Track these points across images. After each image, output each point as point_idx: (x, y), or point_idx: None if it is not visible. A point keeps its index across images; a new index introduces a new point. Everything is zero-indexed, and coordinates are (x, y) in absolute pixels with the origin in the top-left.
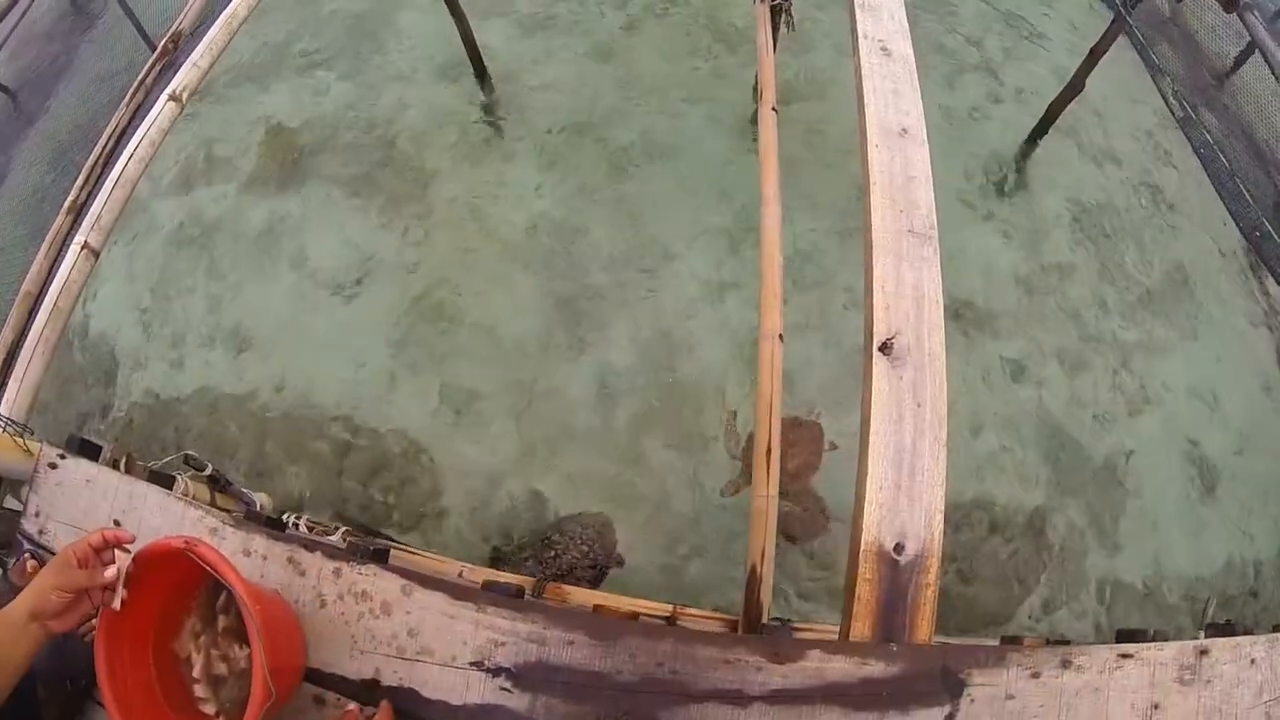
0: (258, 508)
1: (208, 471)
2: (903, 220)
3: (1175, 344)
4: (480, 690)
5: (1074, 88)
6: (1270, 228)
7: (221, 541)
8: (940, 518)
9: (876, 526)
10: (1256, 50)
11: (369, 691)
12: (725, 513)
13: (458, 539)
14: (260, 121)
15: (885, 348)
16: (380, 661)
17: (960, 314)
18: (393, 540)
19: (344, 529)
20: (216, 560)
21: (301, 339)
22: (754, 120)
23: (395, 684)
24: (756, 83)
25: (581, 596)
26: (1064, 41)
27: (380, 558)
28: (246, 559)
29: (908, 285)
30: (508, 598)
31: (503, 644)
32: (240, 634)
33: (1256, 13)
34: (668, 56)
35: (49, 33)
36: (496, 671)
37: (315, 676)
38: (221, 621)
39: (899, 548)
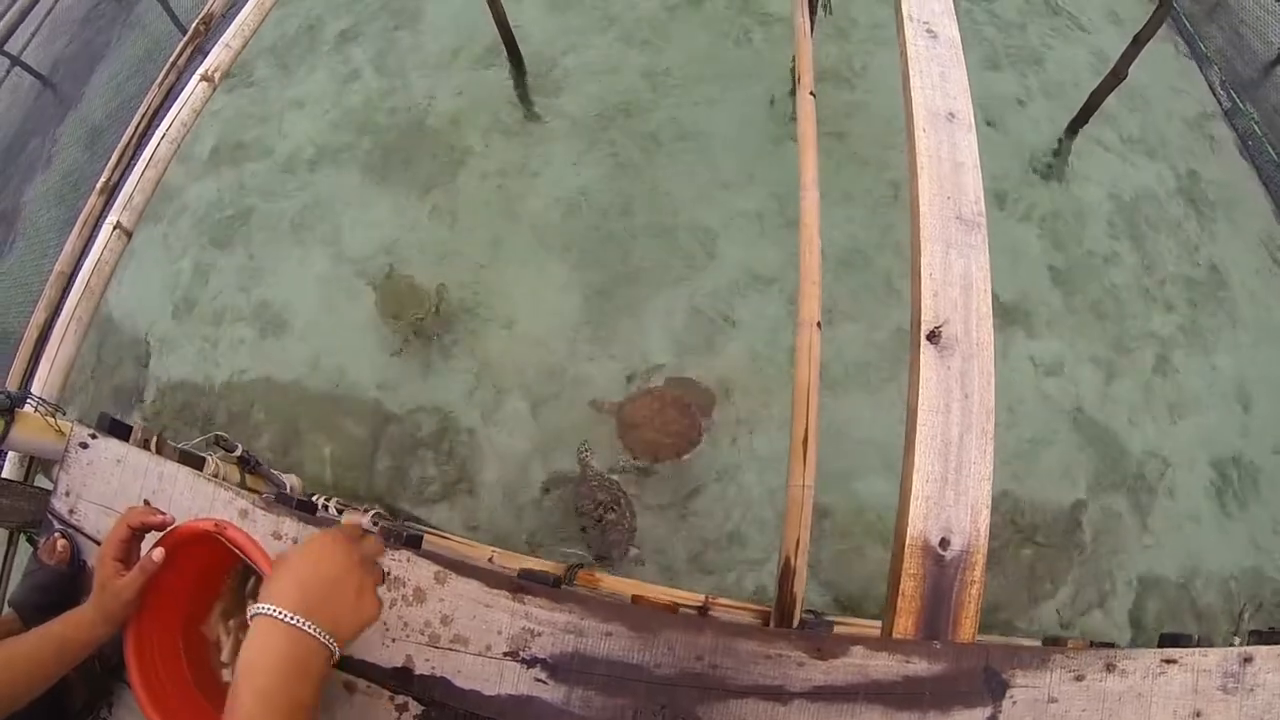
0: (288, 489)
1: (238, 452)
2: (950, 206)
3: (1215, 343)
4: (515, 681)
5: (1116, 76)
6: None
7: (252, 524)
8: (987, 513)
9: (922, 520)
10: None
11: (401, 680)
12: (763, 506)
13: (490, 520)
14: (293, 102)
15: (933, 336)
16: (412, 649)
17: (996, 307)
18: (421, 523)
19: (374, 511)
20: (246, 543)
21: (335, 321)
22: (792, 104)
23: (427, 672)
24: (794, 67)
25: (614, 584)
26: (1105, 32)
27: (414, 544)
28: (277, 542)
29: (955, 273)
30: (544, 586)
31: (539, 634)
32: None
33: None
34: (704, 39)
35: (85, 18)
36: (532, 662)
37: (345, 663)
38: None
39: (944, 543)
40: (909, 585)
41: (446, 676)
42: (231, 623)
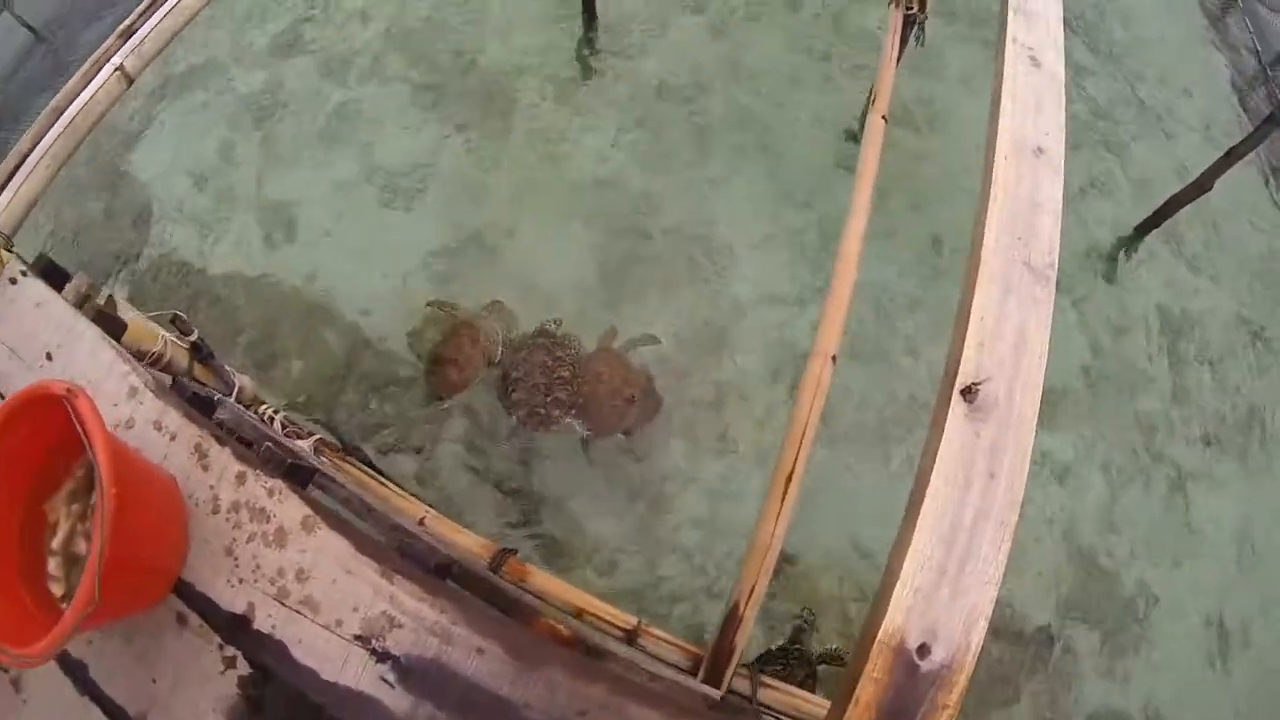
0: (236, 389)
1: (193, 337)
2: (1019, 249)
3: (1235, 489)
4: (358, 672)
5: (1200, 186)
6: None
7: (138, 406)
8: (983, 626)
9: (903, 615)
10: None
11: (235, 629)
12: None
13: (449, 480)
14: (356, 14)
15: (969, 393)
16: (257, 598)
17: None
18: (367, 464)
19: (319, 436)
20: (91, 419)
21: (345, 235)
22: (859, 130)
23: (266, 630)
24: (872, 89)
25: (544, 582)
26: (1194, 140)
27: (296, 476)
28: (155, 433)
29: (1010, 325)
30: (422, 572)
31: (400, 625)
32: None
33: None
34: (785, 47)
35: None
36: (384, 656)
37: (184, 591)
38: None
39: (924, 650)
40: (869, 691)
41: (285, 642)
42: (74, 507)
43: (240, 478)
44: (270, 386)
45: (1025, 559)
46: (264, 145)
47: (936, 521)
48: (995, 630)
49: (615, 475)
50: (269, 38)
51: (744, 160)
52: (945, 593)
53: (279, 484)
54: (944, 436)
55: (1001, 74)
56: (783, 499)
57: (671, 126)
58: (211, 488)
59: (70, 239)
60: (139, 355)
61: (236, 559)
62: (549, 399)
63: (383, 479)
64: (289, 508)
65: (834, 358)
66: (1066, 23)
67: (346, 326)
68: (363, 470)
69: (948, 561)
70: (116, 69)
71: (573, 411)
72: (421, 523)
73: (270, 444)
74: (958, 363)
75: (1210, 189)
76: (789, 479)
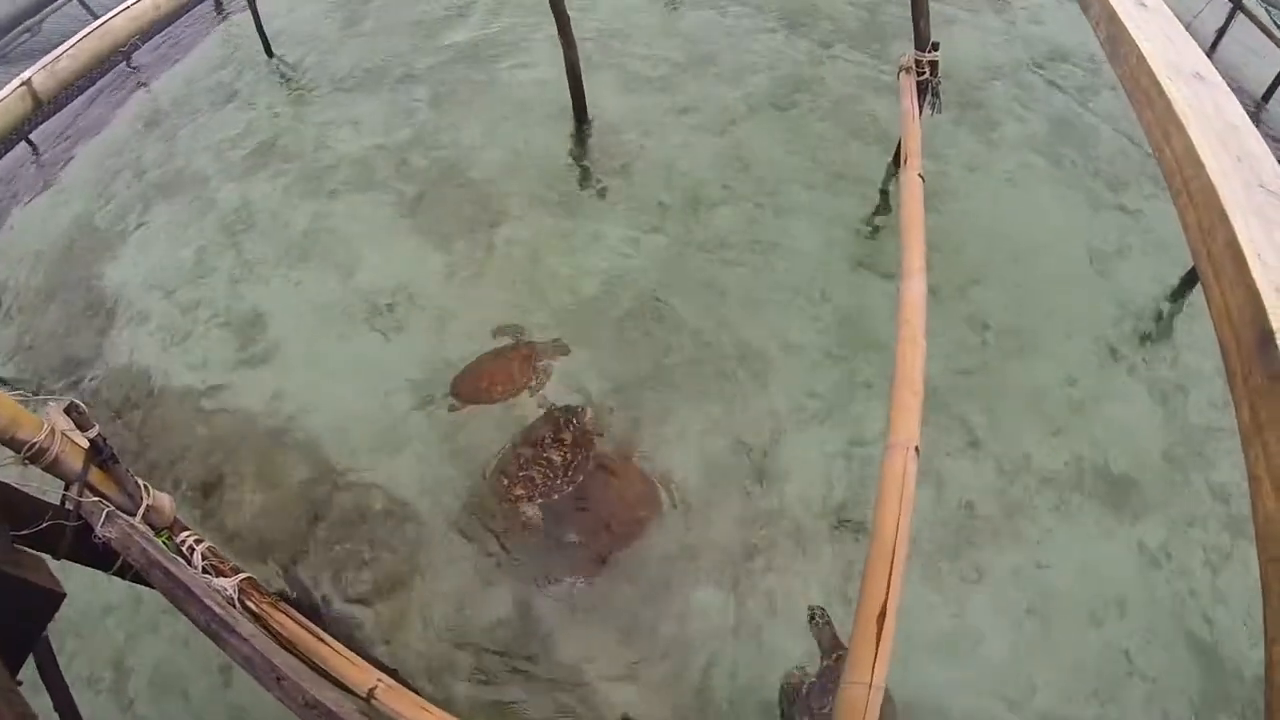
0: (142, 507)
1: (91, 434)
2: (1247, 172)
3: None
4: None
5: None
6: None
7: None
8: None
9: None
10: None
11: None
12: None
13: (421, 637)
14: (343, 124)
15: None
16: None
17: (1091, 478)
18: (317, 616)
19: (245, 575)
20: None
21: (318, 354)
22: (873, 221)
23: None
24: (898, 150)
25: None
26: None
27: None
28: None
29: None
30: None
31: None
32: None
33: None
34: (788, 148)
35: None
36: None
37: None
38: None
39: None
40: None
41: None
42: None
43: None
44: (220, 512)
45: (1135, 663)
46: (237, 257)
47: None
48: None
49: (635, 629)
50: (249, 150)
51: (756, 266)
52: None
53: None
54: None
55: (1113, 17)
56: (877, 642)
57: (674, 234)
58: None
59: (31, 340)
60: (13, 446)
61: None
62: (520, 474)
63: (326, 636)
64: None
65: (917, 448)
66: (1055, 87)
67: (315, 452)
68: (299, 622)
69: None
70: (23, 84)
71: (538, 499)
72: (371, 695)
73: (161, 573)
74: (1261, 318)
75: None
76: (882, 614)
